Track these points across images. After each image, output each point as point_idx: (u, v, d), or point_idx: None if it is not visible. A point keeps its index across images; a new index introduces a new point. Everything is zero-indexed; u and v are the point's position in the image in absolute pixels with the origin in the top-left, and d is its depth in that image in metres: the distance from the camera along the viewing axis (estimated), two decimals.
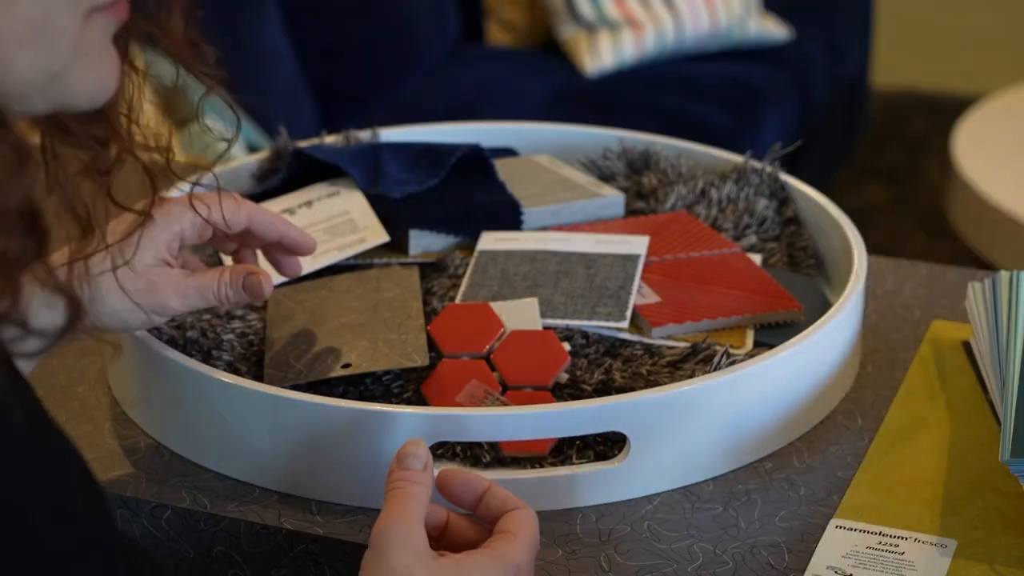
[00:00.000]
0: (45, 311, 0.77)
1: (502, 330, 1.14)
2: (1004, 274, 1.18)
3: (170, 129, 1.03)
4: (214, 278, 1.08)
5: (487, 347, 1.13)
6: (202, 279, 1.08)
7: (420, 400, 1.10)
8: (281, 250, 1.14)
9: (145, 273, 1.05)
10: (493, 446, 1.08)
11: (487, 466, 1.07)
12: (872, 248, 1.26)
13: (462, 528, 0.97)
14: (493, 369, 1.12)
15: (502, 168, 1.36)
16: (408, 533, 0.90)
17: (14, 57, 0.75)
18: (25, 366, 0.96)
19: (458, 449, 1.08)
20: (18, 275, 0.73)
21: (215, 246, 1.15)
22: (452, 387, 1.10)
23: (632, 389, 1.10)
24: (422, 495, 0.93)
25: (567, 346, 1.14)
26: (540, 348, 1.12)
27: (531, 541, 0.94)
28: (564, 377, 1.11)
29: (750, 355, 1.14)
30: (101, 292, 1.03)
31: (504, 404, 1.08)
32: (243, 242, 1.14)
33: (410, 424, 1.04)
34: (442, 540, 0.96)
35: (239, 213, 1.11)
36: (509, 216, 1.31)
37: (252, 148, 2.35)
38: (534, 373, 1.11)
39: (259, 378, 1.12)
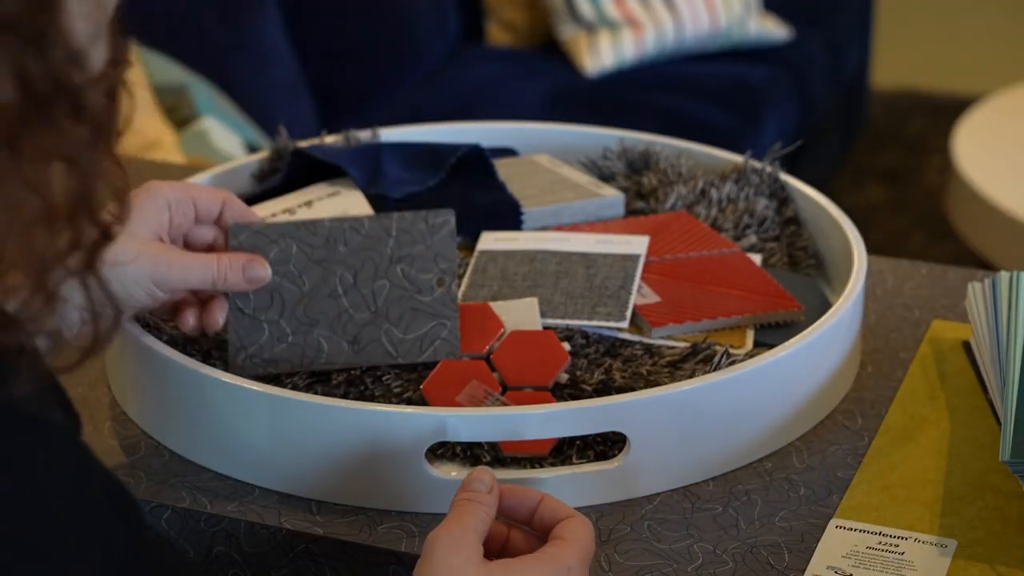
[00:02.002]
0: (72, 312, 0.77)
1: (502, 330, 1.14)
2: (1004, 274, 1.18)
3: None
4: (214, 256, 1.10)
5: (487, 348, 1.13)
6: (203, 256, 1.09)
7: (420, 400, 1.10)
8: None
9: (146, 245, 1.07)
10: (493, 446, 1.08)
11: (492, 464, 1.07)
12: (872, 248, 1.26)
13: (519, 543, 0.97)
14: (493, 369, 1.12)
15: (502, 168, 1.36)
16: (458, 539, 0.91)
17: None
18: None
19: (458, 449, 1.08)
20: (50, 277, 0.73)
21: (192, 239, 1.15)
22: (452, 387, 1.10)
23: (632, 389, 1.10)
24: (481, 512, 0.94)
25: (567, 346, 1.14)
26: (540, 348, 1.13)
27: (582, 546, 0.94)
28: (564, 377, 1.11)
29: (750, 355, 1.14)
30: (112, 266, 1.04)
31: (504, 404, 1.08)
32: (216, 237, 1.15)
33: (410, 424, 1.04)
34: (502, 554, 0.97)
35: (215, 194, 1.13)
36: (509, 216, 1.31)
37: (252, 148, 2.35)
38: (534, 373, 1.11)
39: (259, 378, 1.12)
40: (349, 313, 1.13)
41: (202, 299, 1.13)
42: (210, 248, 1.14)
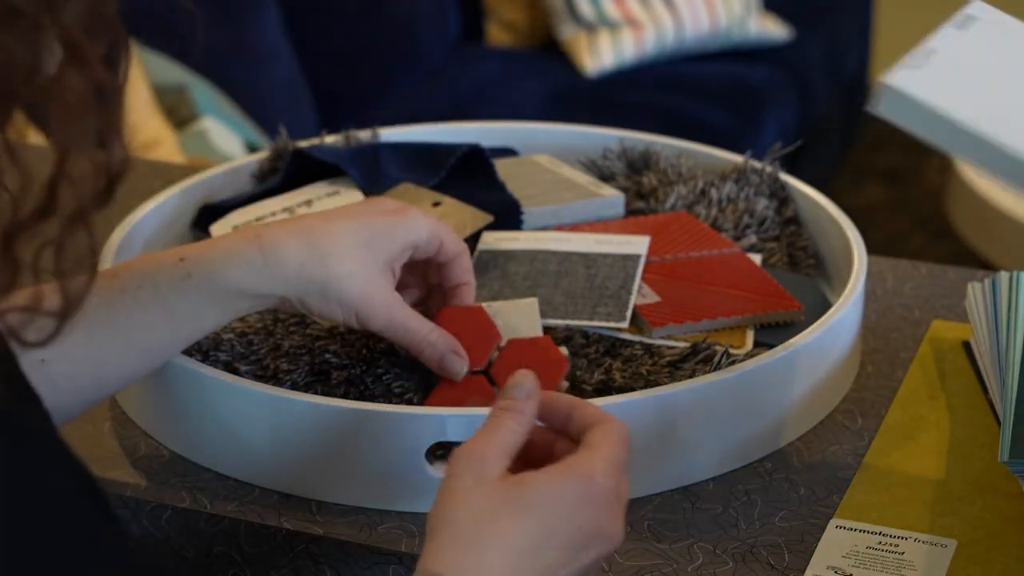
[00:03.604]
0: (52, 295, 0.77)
1: (498, 341, 1.13)
2: (1004, 275, 1.18)
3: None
4: (424, 328, 1.08)
5: (485, 362, 1.12)
6: (413, 321, 1.08)
7: (420, 400, 1.10)
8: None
9: (371, 277, 1.06)
10: None
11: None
12: (872, 248, 1.26)
13: (565, 453, 0.92)
14: (492, 383, 1.11)
15: (502, 168, 1.36)
16: (478, 458, 0.89)
17: None
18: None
19: None
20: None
21: (416, 278, 1.14)
22: (452, 404, 1.09)
23: (632, 389, 1.10)
24: (512, 423, 0.91)
25: (564, 350, 1.13)
26: (539, 358, 1.11)
27: (608, 452, 0.89)
28: (564, 385, 1.11)
29: (750, 355, 1.14)
30: (330, 278, 1.04)
31: None
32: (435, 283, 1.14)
33: (410, 424, 1.04)
34: (547, 463, 0.91)
35: (457, 244, 1.12)
36: (509, 216, 1.31)
37: (252, 148, 2.35)
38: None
39: (258, 377, 1.12)
40: None
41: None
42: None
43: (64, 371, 0.99)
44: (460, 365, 1.09)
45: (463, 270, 1.13)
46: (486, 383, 1.10)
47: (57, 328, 0.77)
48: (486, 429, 0.91)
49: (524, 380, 0.93)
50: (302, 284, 1.05)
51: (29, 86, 0.73)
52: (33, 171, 0.74)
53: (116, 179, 0.77)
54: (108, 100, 0.75)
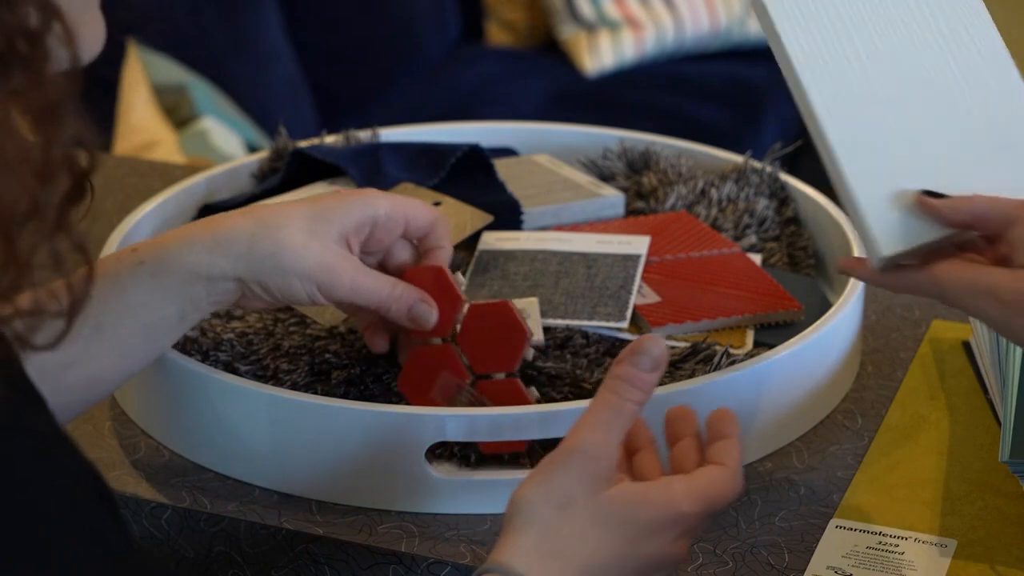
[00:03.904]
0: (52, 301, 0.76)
1: (461, 303, 1.10)
2: None
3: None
4: (387, 284, 1.06)
5: (451, 327, 1.10)
6: (376, 280, 1.06)
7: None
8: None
9: (326, 245, 1.04)
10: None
11: (477, 463, 1.07)
12: None
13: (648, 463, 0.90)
14: (460, 353, 1.11)
15: (502, 168, 1.36)
16: (592, 458, 0.86)
17: None
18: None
19: (456, 449, 1.08)
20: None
21: (391, 254, 1.12)
22: (425, 380, 1.09)
23: None
24: (633, 408, 0.87)
25: (535, 336, 1.12)
26: (502, 326, 1.09)
27: (704, 495, 0.87)
28: (531, 354, 1.10)
29: (750, 355, 1.14)
30: (282, 249, 1.03)
31: (475, 397, 1.07)
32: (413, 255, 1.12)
33: (410, 424, 1.04)
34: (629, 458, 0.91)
35: (428, 214, 1.10)
36: (509, 216, 1.31)
37: (252, 148, 2.35)
38: (501, 357, 1.09)
39: (258, 377, 1.12)
40: None
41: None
42: (405, 266, 1.11)
43: (62, 374, 0.99)
44: (429, 313, 1.07)
45: (437, 236, 1.10)
46: (454, 353, 1.09)
47: (66, 328, 0.77)
48: (600, 412, 0.87)
49: (653, 347, 0.88)
50: (255, 261, 1.03)
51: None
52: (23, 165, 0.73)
53: (85, 175, 0.76)
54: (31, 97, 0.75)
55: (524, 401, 1.07)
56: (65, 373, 0.99)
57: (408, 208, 1.09)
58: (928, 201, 0.97)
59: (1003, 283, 0.94)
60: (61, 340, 0.76)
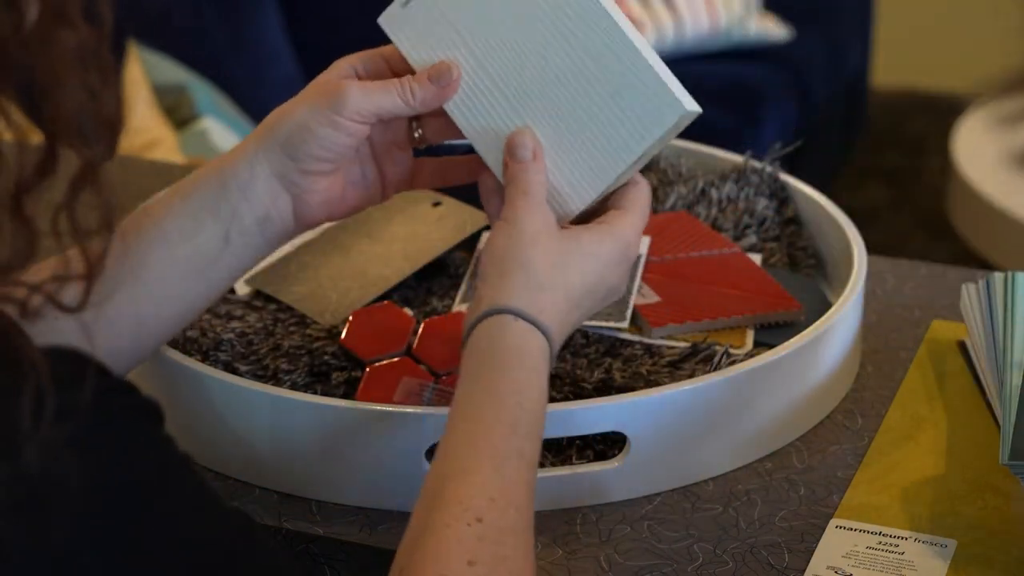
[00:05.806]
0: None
1: (412, 324, 1.15)
2: (998, 275, 1.17)
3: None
4: (396, 79, 1.02)
5: (404, 343, 1.13)
6: (384, 81, 1.02)
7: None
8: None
9: (314, 85, 1.03)
10: None
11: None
12: (872, 248, 1.26)
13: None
14: (418, 362, 1.12)
15: None
16: (537, 203, 0.97)
17: None
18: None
19: None
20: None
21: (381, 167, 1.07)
22: (387, 391, 1.09)
23: (632, 389, 1.10)
24: (540, 178, 0.98)
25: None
26: (458, 329, 1.06)
27: (642, 215, 1.00)
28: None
29: (750, 355, 1.14)
30: (287, 112, 1.01)
31: (444, 392, 1.07)
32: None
33: (410, 424, 1.04)
34: None
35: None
36: None
37: None
38: (454, 354, 1.08)
39: (258, 377, 1.12)
40: None
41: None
42: (403, 180, 1.08)
43: (105, 333, 0.96)
44: (451, 70, 1.02)
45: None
46: (412, 362, 1.12)
47: (86, 290, 0.77)
48: (517, 185, 0.98)
49: (524, 139, 0.99)
50: (271, 138, 1.01)
51: (17, 41, 0.73)
52: (27, 131, 0.74)
53: (115, 129, 0.77)
54: (94, 53, 0.75)
55: None
56: (111, 324, 0.99)
57: (385, 50, 1.05)
58: None
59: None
60: (85, 303, 0.78)
